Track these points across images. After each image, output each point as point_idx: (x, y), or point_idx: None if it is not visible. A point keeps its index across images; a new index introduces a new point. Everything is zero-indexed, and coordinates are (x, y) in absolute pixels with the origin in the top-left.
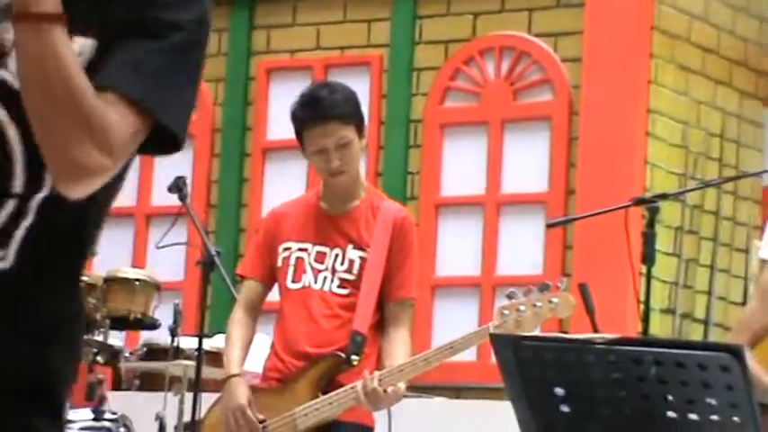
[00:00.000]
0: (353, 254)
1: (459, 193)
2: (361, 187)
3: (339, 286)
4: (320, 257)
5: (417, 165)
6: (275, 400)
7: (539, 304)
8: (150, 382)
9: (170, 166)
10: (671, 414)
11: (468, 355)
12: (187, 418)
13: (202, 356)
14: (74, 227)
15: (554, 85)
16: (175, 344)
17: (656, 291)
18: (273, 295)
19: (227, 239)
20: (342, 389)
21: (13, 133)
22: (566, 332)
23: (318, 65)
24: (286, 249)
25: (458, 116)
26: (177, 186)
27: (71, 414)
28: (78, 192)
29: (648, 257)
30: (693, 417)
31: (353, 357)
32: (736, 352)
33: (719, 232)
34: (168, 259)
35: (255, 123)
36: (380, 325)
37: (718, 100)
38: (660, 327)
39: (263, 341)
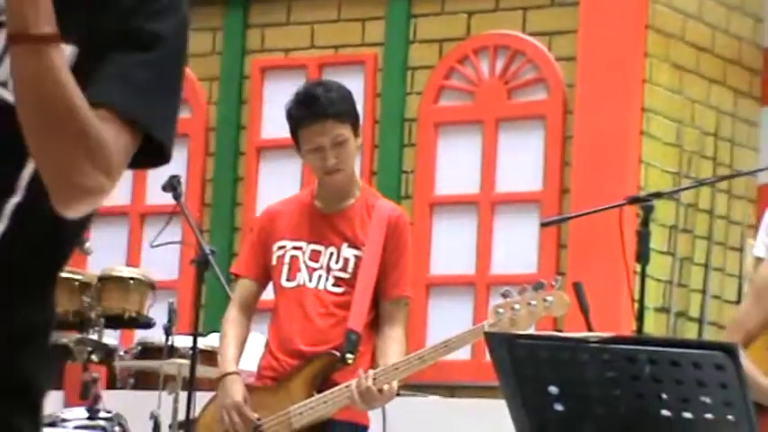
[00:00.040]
0: (348, 252)
1: (454, 192)
2: (356, 186)
3: (334, 285)
4: (315, 256)
5: (412, 163)
6: (270, 399)
7: (533, 303)
8: (145, 381)
9: (164, 165)
10: (665, 412)
11: (463, 353)
12: (182, 416)
13: (197, 355)
14: (49, 233)
15: (548, 83)
16: (170, 342)
17: (650, 289)
18: (268, 294)
19: (221, 238)
20: (336, 387)
21: None
22: (560, 331)
23: (313, 64)
24: (280, 248)
25: (452, 115)
26: (171, 185)
27: (66, 413)
28: (78, 213)
29: (643, 256)
30: (688, 415)
31: (348, 356)
32: (730, 350)
33: (714, 231)
34: (163, 258)
35: (250, 122)
36: (375, 323)
37: (712, 99)
38: (654, 325)
39: (258, 340)
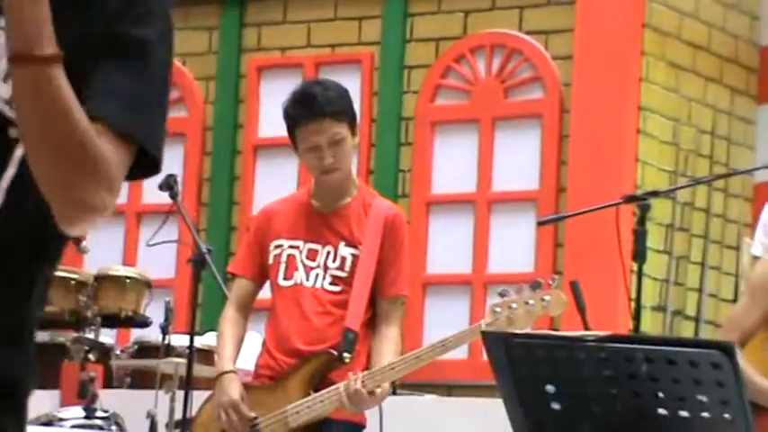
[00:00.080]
0: (345, 251)
1: (451, 191)
2: (352, 185)
3: (331, 283)
4: (312, 255)
5: (408, 162)
6: (267, 398)
7: (531, 302)
8: (141, 380)
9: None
10: (662, 411)
11: (460, 352)
12: (178, 415)
13: (193, 354)
14: (34, 238)
15: (545, 82)
16: (166, 341)
17: (647, 288)
18: (265, 293)
19: (218, 237)
20: (333, 387)
21: None
22: (557, 329)
23: (309, 63)
24: (277, 247)
25: (449, 114)
26: (168, 184)
27: (63, 412)
28: (82, 230)
29: (639, 255)
30: (684, 414)
31: (346, 355)
32: (726, 349)
33: (710, 229)
34: (159, 257)
35: (246, 121)
36: (373, 322)
37: (709, 97)
38: (651, 324)
39: (255, 339)
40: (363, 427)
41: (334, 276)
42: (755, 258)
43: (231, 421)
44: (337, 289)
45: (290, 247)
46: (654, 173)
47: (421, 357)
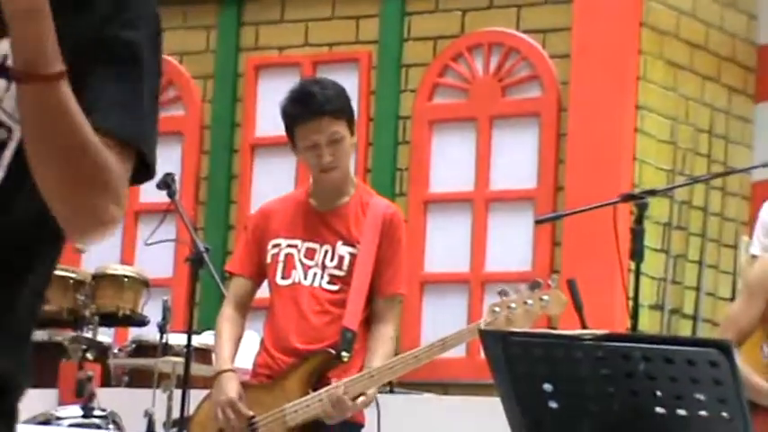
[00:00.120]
0: (343, 250)
1: (448, 190)
2: (350, 184)
3: (329, 282)
4: (310, 254)
5: (406, 161)
6: (265, 397)
7: (530, 302)
8: (139, 379)
9: (159, 163)
10: (659, 410)
11: (457, 351)
12: (176, 414)
13: (191, 353)
14: (29, 240)
15: (542, 81)
16: (164, 340)
17: (644, 287)
18: (263, 292)
19: (215, 236)
20: (332, 386)
21: None
22: (554, 328)
23: (307, 61)
24: (275, 246)
25: (446, 112)
26: (166, 183)
27: (60, 411)
28: (92, 244)
29: (637, 253)
30: (682, 412)
31: (344, 354)
32: (724, 347)
33: (708, 228)
34: (157, 256)
35: (244, 120)
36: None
37: (706, 96)
38: (649, 323)
39: (253, 338)
40: (362, 426)
41: (332, 275)
42: (753, 257)
43: (229, 420)
44: (335, 288)
45: (288, 246)
46: (651, 171)
47: (419, 357)
